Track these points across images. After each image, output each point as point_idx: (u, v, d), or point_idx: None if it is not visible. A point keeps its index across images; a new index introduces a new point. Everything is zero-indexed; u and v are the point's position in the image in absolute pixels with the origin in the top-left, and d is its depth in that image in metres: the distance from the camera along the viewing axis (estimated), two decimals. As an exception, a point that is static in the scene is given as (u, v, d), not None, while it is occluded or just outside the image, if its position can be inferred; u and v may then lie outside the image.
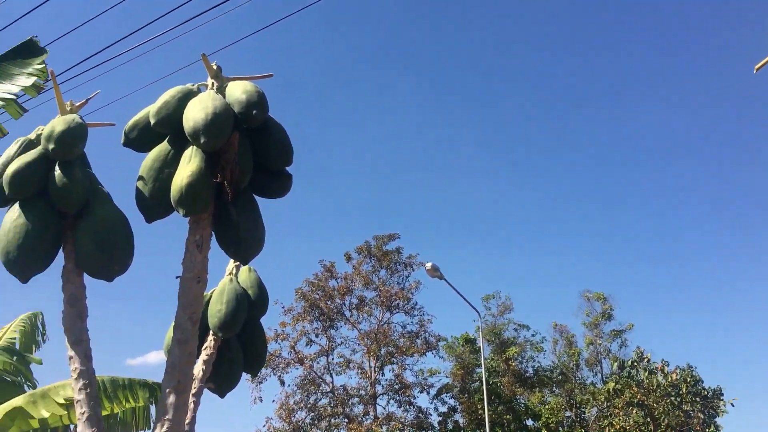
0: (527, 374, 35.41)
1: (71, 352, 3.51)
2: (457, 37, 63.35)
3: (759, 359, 46.09)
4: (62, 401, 6.51)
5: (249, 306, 4.36)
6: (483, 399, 30.81)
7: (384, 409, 33.63)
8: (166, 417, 3.35)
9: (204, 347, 4.24)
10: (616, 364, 31.55)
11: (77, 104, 3.94)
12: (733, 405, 27.79)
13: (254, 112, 3.65)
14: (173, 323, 3.90)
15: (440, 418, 34.73)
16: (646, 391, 29.25)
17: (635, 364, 30.37)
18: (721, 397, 28.70)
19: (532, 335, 36.10)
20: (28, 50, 5.50)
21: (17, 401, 6.45)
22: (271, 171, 3.92)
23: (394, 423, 32.39)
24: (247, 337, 4.43)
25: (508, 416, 33.42)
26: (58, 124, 3.61)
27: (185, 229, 3.86)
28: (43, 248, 3.57)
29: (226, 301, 4.22)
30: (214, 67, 4.04)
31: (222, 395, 4.35)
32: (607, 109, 59.01)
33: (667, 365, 30.20)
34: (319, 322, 34.51)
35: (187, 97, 3.80)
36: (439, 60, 63.67)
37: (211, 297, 4.38)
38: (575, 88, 59.20)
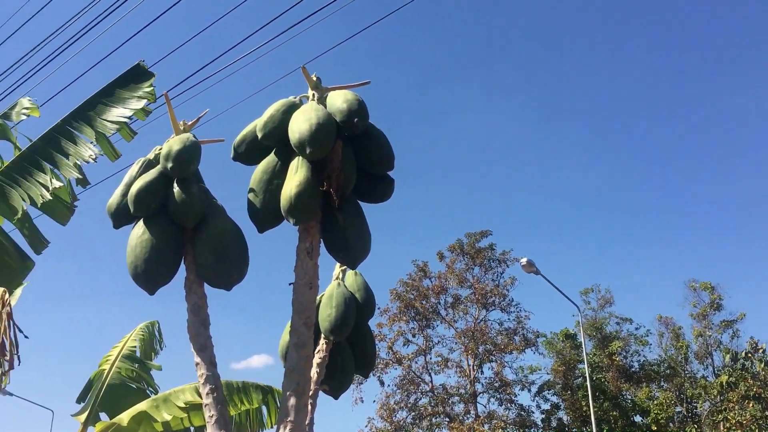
0: (632, 369, 34.29)
1: (197, 359, 3.70)
2: (544, 28, 62.13)
3: None
4: (182, 405, 6.84)
5: (357, 309, 4.46)
6: (587, 395, 30.12)
7: (485, 407, 33.45)
8: (289, 419, 3.47)
9: (317, 351, 4.36)
10: (728, 356, 30.03)
11: (189, 123, 4.15)
12: None
13: (355, 120, 3.74)
14: (287, 328, 4.05)
15: (543, 416, 34.18)
16: (763, 383, 27.76)
17: (749, 355, 28.86)
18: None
19: (636, 329, 34.96)
20: (136, 75, 5.82)
21: (142, 406, 6.82)
22: (373, 176, 4.00)
23: (495, 422, 32.08)
24: (357, 340, 4.52)
25: (614, 413, 32.47)
26: (175, 143, 3.82)
27: (289, 237, 4.01)
28: (166, 261, 3.78)
29: (335, 306, 4.33)
30: (314, 79, 4.15)
31: (336, 397, 4.47)
32: (707, 97, 56.32)
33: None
34: (415, 322, 34.65)
35: (290, 109, 3.93)
36: (528, 53, 62.61)
37: (320, 302, 4.51)
38: (673, 78, 56.83)
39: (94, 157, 5.47)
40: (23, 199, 5.20)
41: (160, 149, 4.06)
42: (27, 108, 5.85)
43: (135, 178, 3.91)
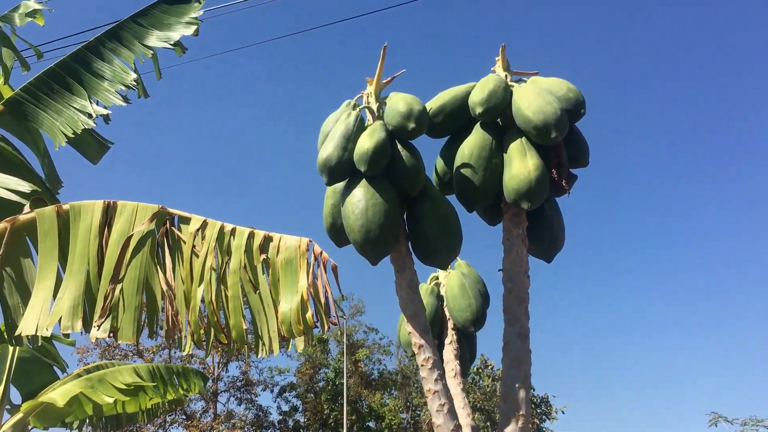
0: (372, 377, 36.25)
1: (421, 341, 3.33)
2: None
3: (584, 369, 50.63)
4: (123, 387, 5.93)
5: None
6: (329, 399, 31.47)
7: (224, 406, 32.98)
8: (521, 412, 3.30)
9: (449, 342, 4.17)
10: (461, 370, 33.35)
11: (384, 81, 3.73)
12: (563, 412, 30.50)
13: (582, 111, 3.72)
14: (403, 318, 3.84)
15: (280, 417, 34.60)
16: (487, 396, 31.26)
17: (480, 370, 32.31)
18: (549, 404, 31.44)
19: (380, 339, 37.08)
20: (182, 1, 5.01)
21: (75, 386, 5.78)
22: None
23: (234, 421, 31.78)
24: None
25: (352, 417, 33.97)
26: (414, 103, 3.42)
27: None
28: (396, 229, 3.36)
29: (473, 296, 4.17)
30: (507, 61, 4.02)
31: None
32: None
33: (506, 372, 32.52)
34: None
35: (507, 87, 3.76)
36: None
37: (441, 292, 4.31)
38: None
39: (136, 82, 4.57)
40: (62, 127, 4.14)
41: (355, 104, 3.62)
42: (33, 11, 4.63)
43: (354, 133, 3.40)
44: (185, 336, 2.74)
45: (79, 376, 6.08)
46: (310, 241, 2.63)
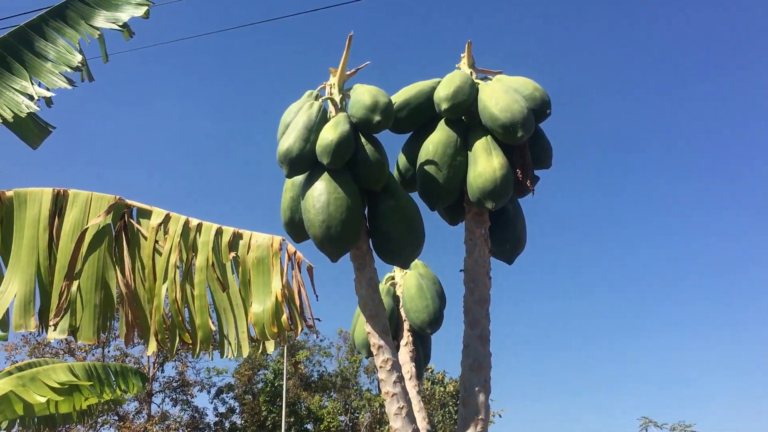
0: (312, 379, 36.01)
1: (380, 342, 3.21)
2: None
3: (521, 374, 51.34)
4: (57, 386, 5.64)
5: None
6: (267, 400, 31.11)
7: (159, 407, 32.31)
8: (480, 417, 3.23)
9: (405, 344, 4.08)
10: (404, 373, 33.36)
11: (348, 73, 3.61)
12: (500, 416, 30.87)
13: (548, 111, 3.69)
14: (359, 319, 3.75)
15: (217, 419, 34.04)
16: (426, 399, 31.40)
17: (420, 373, 32.44)
18: (487, 408, 31.77)
19: (321, 340, 36.88)
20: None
21: (6, 384, 5.46)
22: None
23: (169, 423, 31.16)
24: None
25: (290, 419, 33.65)
26: (380, 96, 3.33)
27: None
28: (358, 226, 3.24)
29: (431, 297, 4.09)
30: (472, 59, 3.95)
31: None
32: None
33: (445, 375, 32.67)
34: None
35: (474, 84, 3.70)
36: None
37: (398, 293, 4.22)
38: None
39: (82, 64, 4.35)
40: (0, 108, 3.89)
41: (317, 94, 3.50)
42: None
43: (316, 124, 3.27)
44: (149, 336, 2.56)
45: (9, 374, 5.77)
46: (283, 240, 2.52)
